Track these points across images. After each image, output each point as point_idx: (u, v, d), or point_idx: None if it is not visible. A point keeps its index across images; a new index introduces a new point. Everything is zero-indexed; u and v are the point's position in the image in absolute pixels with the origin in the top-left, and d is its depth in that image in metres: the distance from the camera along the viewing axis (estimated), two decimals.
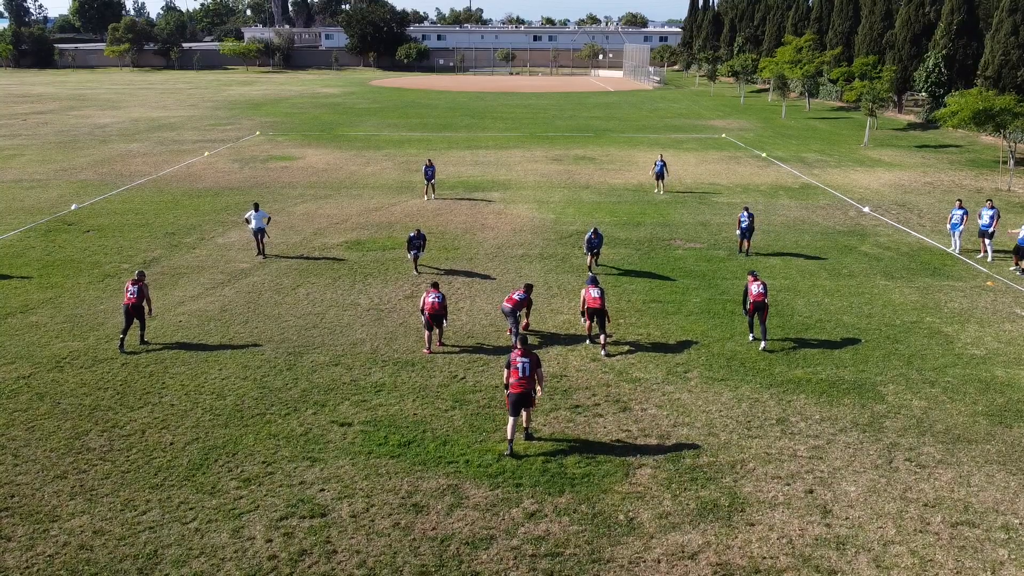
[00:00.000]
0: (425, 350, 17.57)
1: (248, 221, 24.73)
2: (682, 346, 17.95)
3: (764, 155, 45.10)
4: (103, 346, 17.77)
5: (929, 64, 56.62)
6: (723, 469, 12.94)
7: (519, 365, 13.35)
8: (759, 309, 17.58)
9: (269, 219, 25.51)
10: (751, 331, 18.21)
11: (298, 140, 50.80)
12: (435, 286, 17.80)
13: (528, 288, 18.02)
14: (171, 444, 13.63)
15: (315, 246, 26.18)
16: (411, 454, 13.35)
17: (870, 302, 20.88)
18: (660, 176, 34.49)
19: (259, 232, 24.62)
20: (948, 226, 26.07)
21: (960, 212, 25.41)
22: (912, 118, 61.56)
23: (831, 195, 34.50)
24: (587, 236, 23.08)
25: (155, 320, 19.02)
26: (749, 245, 25.20)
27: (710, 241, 26.87)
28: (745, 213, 25.02)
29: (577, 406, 15.09)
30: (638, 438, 13.93)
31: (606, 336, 17.68)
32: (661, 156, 36.58)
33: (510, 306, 17.63)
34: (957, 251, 25.48)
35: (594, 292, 17.49)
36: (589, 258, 23.41)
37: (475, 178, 37.94)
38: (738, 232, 25.30)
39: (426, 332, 17.57)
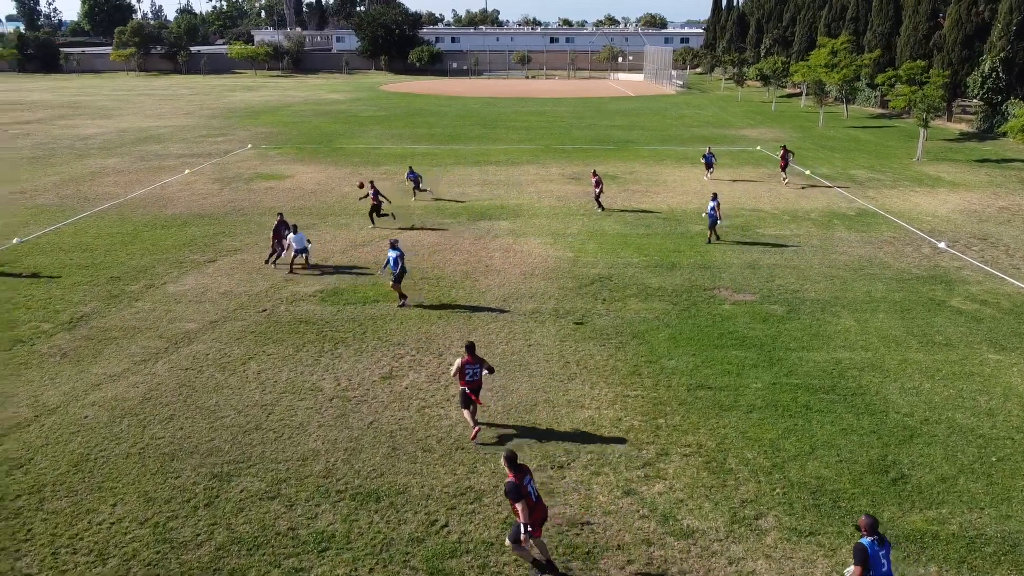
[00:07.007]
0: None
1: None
2: (747, 467, 13.22)
3: (808, 172, 40.07)
4: None
5: (985, 68, 51.42)
6: None
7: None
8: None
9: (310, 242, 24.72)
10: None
11: (291, 154, 46.38)
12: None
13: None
14: None
15: (283, 296, 21.67)
16: None
17: (985, 389, 16.03)
18: (709, 165, 37.55)
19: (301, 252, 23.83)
20: None
21: None
22: (964, 127, 56.30)
23: (895, 224, 29.54)
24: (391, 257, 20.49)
25: (53, 416, 14.70)
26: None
27: (763, 291, 22.06)
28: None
29: None
30: None
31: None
32: (709, 148, 39.62)
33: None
34: None
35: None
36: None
37: (482, 202, 33.30)
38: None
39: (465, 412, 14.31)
